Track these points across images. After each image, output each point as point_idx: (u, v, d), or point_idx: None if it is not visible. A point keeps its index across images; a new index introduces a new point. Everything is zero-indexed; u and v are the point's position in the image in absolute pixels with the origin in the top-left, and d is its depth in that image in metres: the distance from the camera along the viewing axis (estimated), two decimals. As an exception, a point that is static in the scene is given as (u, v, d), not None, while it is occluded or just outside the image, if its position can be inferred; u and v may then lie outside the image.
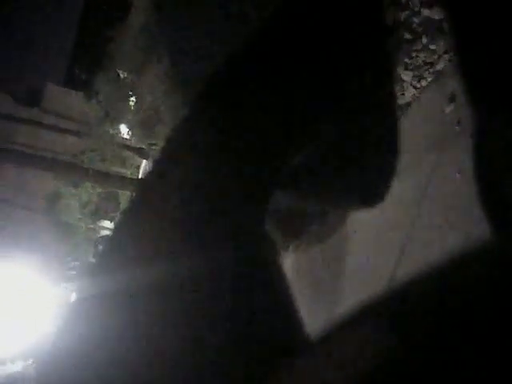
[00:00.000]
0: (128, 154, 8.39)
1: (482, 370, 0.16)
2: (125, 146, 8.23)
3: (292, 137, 0.32)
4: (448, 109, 2.50)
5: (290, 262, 3.77)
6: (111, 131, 8.03)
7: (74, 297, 0.28)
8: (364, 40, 0.34)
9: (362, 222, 3.11)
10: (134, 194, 0.31)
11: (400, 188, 2.55)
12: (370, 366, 0.18)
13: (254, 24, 0.32)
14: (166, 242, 0.27)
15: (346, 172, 0.36)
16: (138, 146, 7.60)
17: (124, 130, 8.01)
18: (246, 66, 0.32)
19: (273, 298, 0.28)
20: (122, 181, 7.30)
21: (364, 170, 0.37)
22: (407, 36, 2.64)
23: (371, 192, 0.37)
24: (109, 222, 9.27)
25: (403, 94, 2.77)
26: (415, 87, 2.78)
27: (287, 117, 0.31)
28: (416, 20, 2.63)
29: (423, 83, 2.75)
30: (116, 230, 0.30)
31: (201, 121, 0.31)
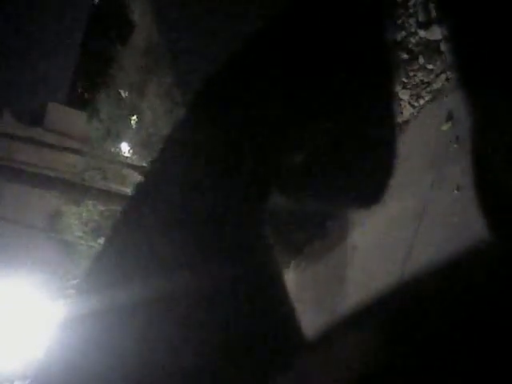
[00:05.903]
0: (129, 172, 8.38)
1: (482, 369, 0.16)
2: (126, 164, 8.23)
3: (292, 136, 0.32)
4: (445, 126, 2.53)
5: (289, 281, 3.74)
6: (112, 149, 8.06)
7: (67, 313, 0.27)
8: (367, 40, 0.34)
9: (362, 239, 3.10)
10: (132, 194, 0.30)
11: (399, 206, 2.56)
12: (370, 365, 0.18)
13: (255, 24, 0.32)
14: (163, 252, 0.26)
15: (344, 172, 0.36)
16: (139, 164, 7.61)
17: (125, 148, 8.04)
18: (246, 67, 0.32)
19: (274, 301, 0.28)
20: (123, 199, 7.28)
21: (363, 170, 0.36)
22: (404, 56, 2.69)
23: (370, 192, 0.37)
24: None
25: (401, 113, 2.79)
26: (413, 106, 2.81)
27: (287, 116, 0.31)
28: (412, 40, 2.68)
29: (421, 102, 2.78)
30: (109, 240, 0.29)
31: (200, 120, 0.31)
